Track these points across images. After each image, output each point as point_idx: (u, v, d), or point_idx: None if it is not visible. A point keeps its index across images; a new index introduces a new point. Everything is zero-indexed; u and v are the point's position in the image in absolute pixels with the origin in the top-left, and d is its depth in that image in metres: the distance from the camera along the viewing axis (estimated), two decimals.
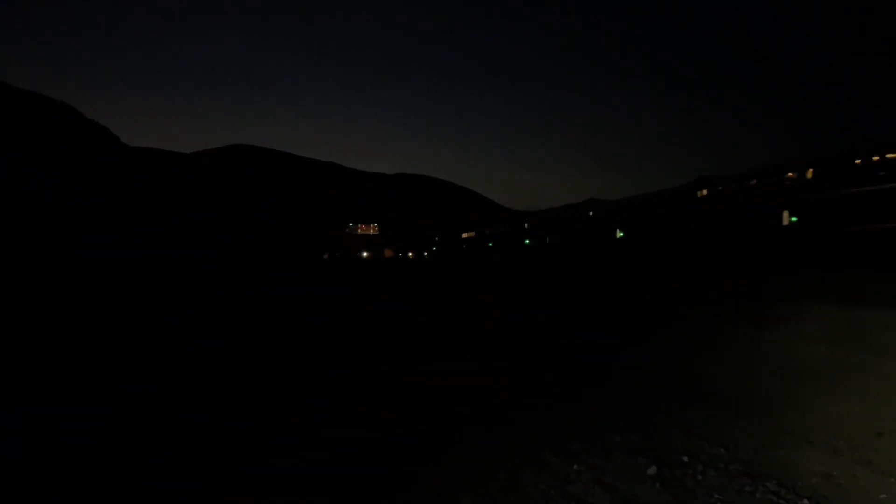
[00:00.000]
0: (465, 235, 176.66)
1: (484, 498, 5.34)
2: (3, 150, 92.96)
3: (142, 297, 27.19)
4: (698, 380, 9.17)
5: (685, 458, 5.89)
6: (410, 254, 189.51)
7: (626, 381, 9.25)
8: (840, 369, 9.36)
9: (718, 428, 6.80)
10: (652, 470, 5.63)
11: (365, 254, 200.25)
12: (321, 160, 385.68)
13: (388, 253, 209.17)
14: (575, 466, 5.81)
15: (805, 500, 5.12)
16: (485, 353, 12.19)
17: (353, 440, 6.85)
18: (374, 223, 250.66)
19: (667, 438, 6.49)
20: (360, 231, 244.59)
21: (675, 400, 8.04)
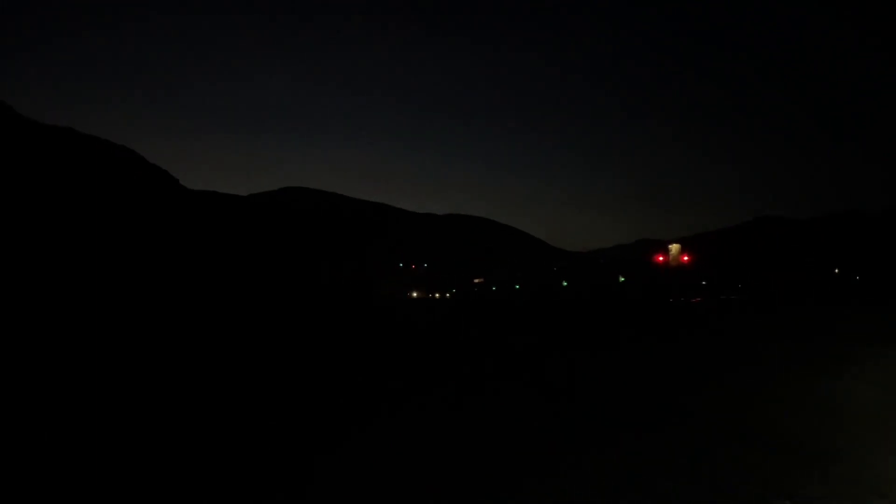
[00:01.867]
0: (476, 280, 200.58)
1: None
2: (67, 194, 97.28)
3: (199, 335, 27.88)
4: (759, 426, 8.96)
5: None
6: (437, 294, 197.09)
7: (681, 427, 9.08)
8: None
9: (783, 478, 6.60)
10: None
11: (415, 294, 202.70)
12: (372, 201, 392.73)
13: (437, 294, 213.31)
14: None
15: None
16: (524, 394, 12.10)
17: (385, 486, 6.71)
18: (424, 264, 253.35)
19: (730, 490, 6.32)
20: (410, 272, 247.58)
21: (736, 447, 7.87)
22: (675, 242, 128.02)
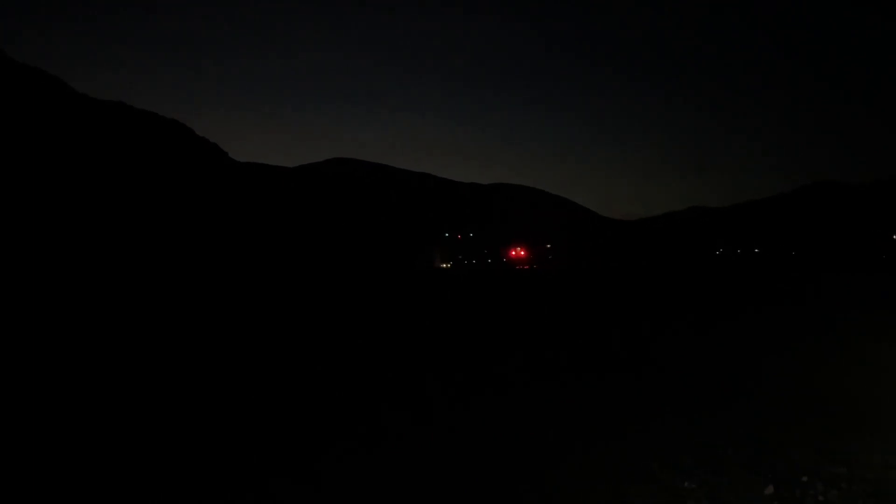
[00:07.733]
0: (459, 256, 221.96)
1: None
2: (119, 165, 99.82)
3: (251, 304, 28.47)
4: (818, 393, 8.79)
5: (805, 478, 5.60)
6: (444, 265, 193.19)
7: (739, 394, 8.97)
8: None
9: (840, 444, 6.48)
10: (769, 489, 5.37)
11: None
12: (417, 171, 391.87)
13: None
14: (686, 483, 5.61)
15: None
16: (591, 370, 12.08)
17: (455, 443, 6.82)
18: (470, 234, 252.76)
19: (784, 455, 6.23)
20: (456, 242, 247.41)
21: (793, 414, 7.76)
22: (549, 242, 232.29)
